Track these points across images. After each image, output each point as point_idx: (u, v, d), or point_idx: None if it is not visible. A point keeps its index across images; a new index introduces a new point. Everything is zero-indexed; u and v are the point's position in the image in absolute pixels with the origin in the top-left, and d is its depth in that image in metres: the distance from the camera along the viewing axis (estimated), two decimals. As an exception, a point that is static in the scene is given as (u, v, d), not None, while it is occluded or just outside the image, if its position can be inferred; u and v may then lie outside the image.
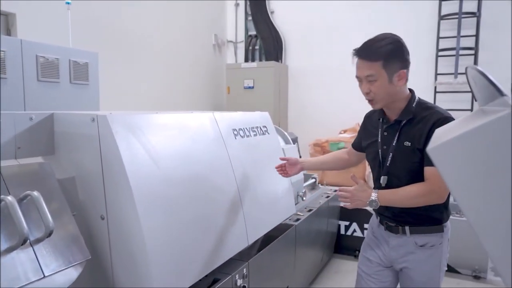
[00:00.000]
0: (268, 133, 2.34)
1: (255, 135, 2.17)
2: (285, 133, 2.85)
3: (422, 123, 1.55)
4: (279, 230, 2.30)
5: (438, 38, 4.85)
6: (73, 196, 1.41)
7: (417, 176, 1.54)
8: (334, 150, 5.09)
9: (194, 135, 1.69)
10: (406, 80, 1.59)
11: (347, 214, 3.30)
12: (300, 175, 2.74)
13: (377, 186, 1.69)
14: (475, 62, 4.71)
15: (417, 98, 1.64)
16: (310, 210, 2.71)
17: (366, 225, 3.20)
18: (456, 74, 4.70)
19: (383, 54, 1.51)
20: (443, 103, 4.93)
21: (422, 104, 1.62)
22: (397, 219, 1.65)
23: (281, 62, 5.56)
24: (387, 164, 1.64)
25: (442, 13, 4.81)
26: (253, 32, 5.73)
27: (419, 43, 4.98)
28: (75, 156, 1.44)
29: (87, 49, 3.23)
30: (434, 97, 4.93)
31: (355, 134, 4.57)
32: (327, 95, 5.41)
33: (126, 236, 1.37)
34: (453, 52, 4.71)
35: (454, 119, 1.47)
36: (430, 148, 0.67)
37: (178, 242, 1.47)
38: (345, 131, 5.13)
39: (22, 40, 2.76)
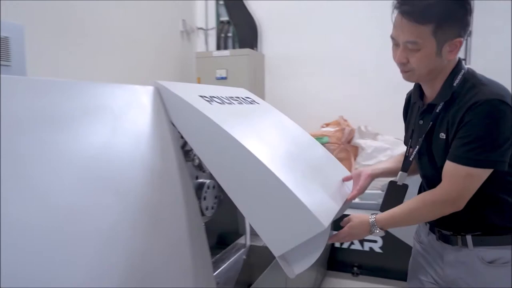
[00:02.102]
0: (258, 103, 1.58)
1: (240, 103, 1.40)
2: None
3: (460, 108, 1.08)
4: (266, 257, 1.55)
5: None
6: None
7: None
8: (317, 146, 4.45)
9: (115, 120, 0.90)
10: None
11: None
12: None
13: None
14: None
15: (463, 71, 1.15)
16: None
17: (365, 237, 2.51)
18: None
19: (437, 15, 1.03)
20: (433, 92, 4.32)
21: (469, 80, 1.12)
22: (454, 225, 1.19)
23: (257, 50, 4.80)
24: (410, 159, 1.26)
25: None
26: (225, 18, 4.94)
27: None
28: None
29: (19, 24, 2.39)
30: (423, 86, 4.30)
31: (339, 128, 3.73)
32: (307, 85, 4.69)
33: None
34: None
35: (504, 101, 1.03)
36: None
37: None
38: (327, 125, 4.43)
39: None
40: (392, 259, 2.44)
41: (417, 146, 1.22)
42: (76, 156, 0.75)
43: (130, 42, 3.91)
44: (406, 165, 1.28)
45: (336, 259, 2.68)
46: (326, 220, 0.99)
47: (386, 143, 3.95)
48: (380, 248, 2.46)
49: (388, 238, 2.41)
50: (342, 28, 4.49)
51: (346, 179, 1.39)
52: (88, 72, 3.41)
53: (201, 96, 1.19)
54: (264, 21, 4.84)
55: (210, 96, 1.24)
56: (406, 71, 1.15)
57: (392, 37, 1.15)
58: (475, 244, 1.16)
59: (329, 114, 4.40)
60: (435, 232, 1.27)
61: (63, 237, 0.68)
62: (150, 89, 1.05)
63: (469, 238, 1.16)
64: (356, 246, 2.58)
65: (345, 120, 4.34)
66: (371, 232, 1.19)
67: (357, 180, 1.33)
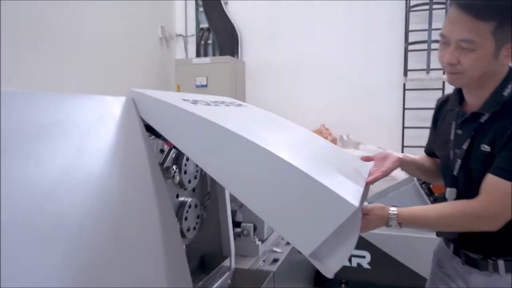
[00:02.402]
0: (246, 106, 1.46)
1: (227, 106, 1.26)
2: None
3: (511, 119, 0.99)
4: (252, 281, 1.42)
5: (407, 31, 4.19)
6: None
7: None
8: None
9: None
10: None
11: (330, 237, 2.47)
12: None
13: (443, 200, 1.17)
14: (445, 57, 4.10)
15: None
16: (289, 243, 1.85)
17: (353, 251, 2.40)
18: (428, 69, 4.06)
19: (501, 12, 0.93)
20: (413, 101, 4.29)
21: None
22: (484, 248, 1.08)
23: (237, 57, 4.69)
24: (454, 174, 1.13)
25: (411, 4, 4.16)
26: (205, 24, 4.81)
27: (386, 36, 4.32)
28: None
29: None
30: (403, 95, 4.27)
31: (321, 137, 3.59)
32: (288, 94, 4.60)
33: None
34: (424, 46, 4.06)
35: None
36: None
37: None
38: (309, 134, 4.37)
39: None
40: (381, 275, 2.35)
41: (459, 160, 1.10)
42: (29, 185, 0.61)
43: (107, 48, 3.73)
44: (451, 181, 1.14)
45: (322, 275, 2.57)
46: (355, 200, 0.84)
47: (368, 153, 3.89)
48: (368, 263, 2.37)
49: (377, 254, 2.32)
50: (324, 36, 4.44)
51: (365, 159, 1.24)
52: (63, 80, 3.21)
53: (184, 100, 1.06)
54: (244, 28, 4.74)
55: (194, 100, 1.11)
56: (455, 73, 1.02)
57: (443, 35, 1.01)
58: (508, 270, 1.04)
59: (311, 123, 4.32)
60: (461, 256, 1.15)
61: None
62: (122, 99, 0.91)
63: (501, 263, 1.05)
64: (344, 262, 2.46)
65: (327, 129, 4.27)
66: (387, 225, 1.09)
67: (381, 162, 1.17)
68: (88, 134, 0.75)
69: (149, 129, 1.11)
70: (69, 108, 0.74)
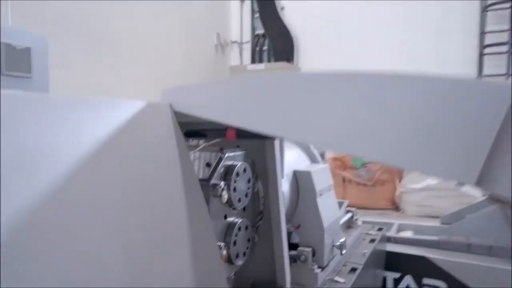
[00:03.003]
0: None
1: None
2: (310, 146, 1.73)
3: None
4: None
5: (483, 32, 3.74)
6: None
7: None
8: (358, 165, 4.02)
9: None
10: None
11: (397, 262, 2.15)
12: (336, 210, 1.62)
13: None
14: (528, 61, 3.59)
15: None
16: (353, 270, 1.58)
17: (425, 280, 2.07)
18: (508, 74, 3.57)
19: None
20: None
21: None
22: None
23: (293, 63, 4.48)
24: None
25: (487, 3, 3.71)
26: (260, 31, 4.67)
27: (457, 39, 3.88)
28: None
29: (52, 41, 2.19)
30: (476, 103, 3.80)
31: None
32: (346, 101, 4.29)
33: None
34: (504, 48, 3.59)
35: None
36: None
37: None
38: (368, 144, 4.02)
39: None
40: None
41: None
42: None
43: (163, 54, 3.71)
44: None
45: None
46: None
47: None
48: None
49: (455, 285, 1.97)
50: (387, 43, 4.10)
51: None
52: (118, 84, 3.21)
53: None
54: (301, 34, 4.52)
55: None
56: None
57: None
58: None
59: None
60: None
61: None
62: (155, 105, 0.73)
63: None
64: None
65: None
66: None
67: None
68: (114, 145, 0.58)
69: (191, 134, 0.93)
70: (90, 116, 0.57)
